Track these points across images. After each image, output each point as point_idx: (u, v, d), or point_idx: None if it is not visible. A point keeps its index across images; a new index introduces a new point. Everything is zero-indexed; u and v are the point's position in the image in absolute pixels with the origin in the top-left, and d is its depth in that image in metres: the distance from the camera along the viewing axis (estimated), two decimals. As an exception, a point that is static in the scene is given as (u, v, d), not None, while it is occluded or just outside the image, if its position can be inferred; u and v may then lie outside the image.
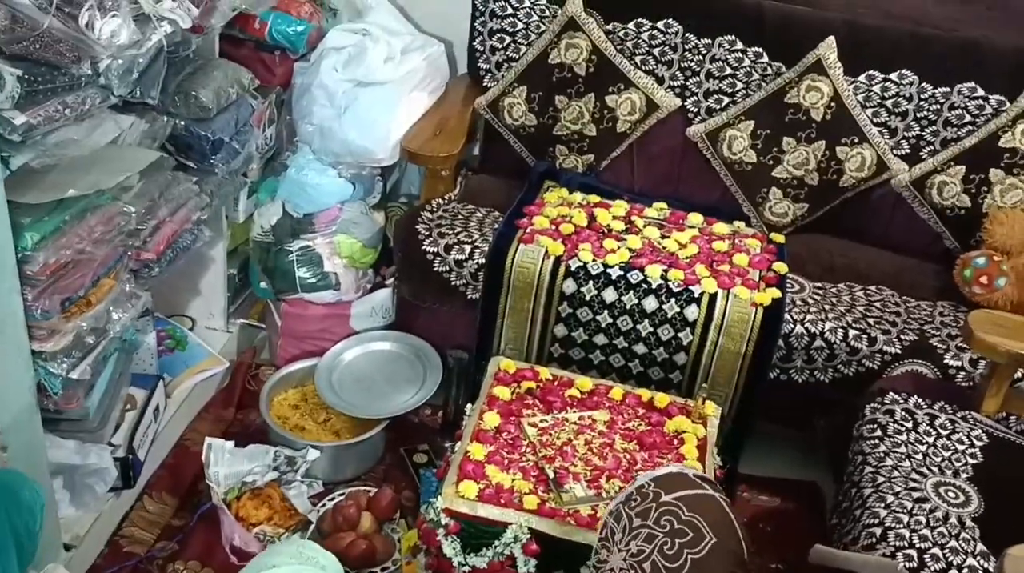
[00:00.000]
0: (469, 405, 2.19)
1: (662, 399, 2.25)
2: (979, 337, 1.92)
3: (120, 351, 2.11)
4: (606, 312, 2.34)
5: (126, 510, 2.14)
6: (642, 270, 2.33)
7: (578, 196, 2.61)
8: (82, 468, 1.97)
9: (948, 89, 2.51)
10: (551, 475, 1.97)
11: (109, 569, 2.01)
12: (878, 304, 2.37)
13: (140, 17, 1.72)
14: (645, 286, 2.32)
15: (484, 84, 2.78)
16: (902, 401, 2.03)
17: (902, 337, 2.25)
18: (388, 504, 2.20)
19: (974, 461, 1.87)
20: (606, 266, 2.33)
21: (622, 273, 2.33)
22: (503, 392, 2.22)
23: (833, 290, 2.42)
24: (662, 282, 2.31)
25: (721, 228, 2.55)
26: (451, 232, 2.45)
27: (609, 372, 2.40)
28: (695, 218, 2.57)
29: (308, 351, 2.56)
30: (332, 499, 2.23)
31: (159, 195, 1.94)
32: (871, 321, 2.29)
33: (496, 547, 1.90)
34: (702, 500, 1.29)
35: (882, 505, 1.75)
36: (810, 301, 2.35)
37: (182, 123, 2.05)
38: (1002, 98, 2.47)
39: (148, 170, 1.90)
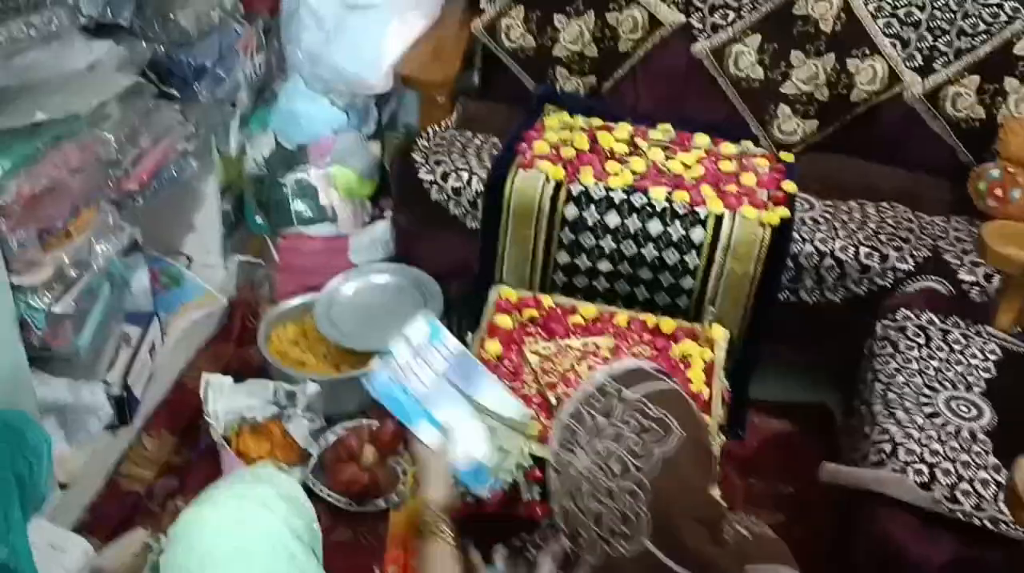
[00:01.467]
0: (470, 334, 2.14)
1: (668, 324, 2.19)
2: (992, 249, 1.86)
3: (111, 287, 2.06)
4: (609, 237, 2.27)
5: (124, 449, 2.11)
6: (646, 192, 2.25)
7: (580, 120, 2.52)
8: (75, 406, 1.93)
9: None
10: (554, 402, 1.92)
11: (108, 506, 1.99)
12: (890, 221, 2.29)
13: (109, -67, 1.65)
14: (649, 209, 2.24)
15: (480, 7, 2.68)
16: (915, 317, 1.96)
17: (915, 253, 2.18)
18: (391, 436, 2.16)
19: (987, 375, 1.81)
20: (609, 189, 2.26)
21: (625, 196, 2.25)
22: (504, 320, 2.16)
23: (844, 208, 2.34)
24: (667, 204, 2.23)
25: (728, 148, 2.46)
26: (448, 159, 2.38)
27: (614, 299, 2.33)
28: (701, 139, 2.48)
29: (307, 286, 2.50)
30: (334, 433, 2.19)
31: (140, 123, 1.87)
32: (883, 238, 2.22)
33: (499, 474, 1.86)
34: (667, 395, 1.22)
35: (892, 421, 1.70)
36: (820, 220, 2.28)
37: (162, 49, 1.97)
38: (1017, 4, 2.36)
39: (127, 97, 1.84)
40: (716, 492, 1.42)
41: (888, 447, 1.65)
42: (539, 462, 1.82)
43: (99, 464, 2.03)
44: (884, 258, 2.18)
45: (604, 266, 2.31)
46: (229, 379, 2.13)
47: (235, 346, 2.46)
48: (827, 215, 2.30)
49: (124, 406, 2.04)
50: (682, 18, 2.58)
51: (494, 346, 2.07)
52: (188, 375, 2.33)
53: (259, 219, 2.54)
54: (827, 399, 2.45)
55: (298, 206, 2.46)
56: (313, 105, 2.44)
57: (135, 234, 2.01)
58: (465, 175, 2.33)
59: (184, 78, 2.02)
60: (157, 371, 2.24)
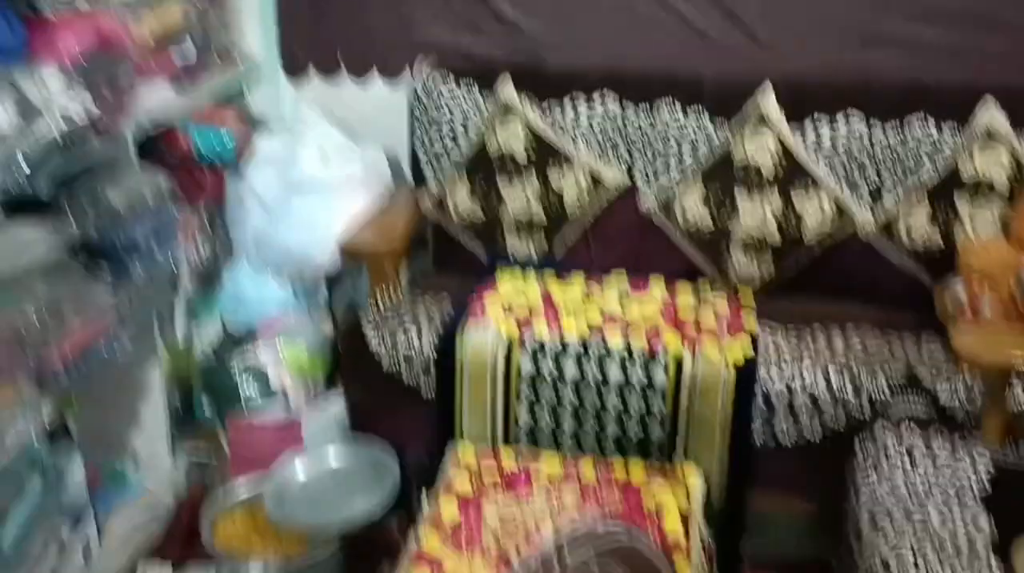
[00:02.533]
0: (424, 494, 1.99)
1: (638, 470, 2.05)
2: (961, 350, 1.75)
3: (42, 481, 1.94)
4: (569, 388, 2.17)
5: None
6: (603, 339, 2.18)
7: (533, 277, 2.48)
8: (-10, 608, 1.76)
9: (898, 122, 2.42)
10: (515, 564, 1.75)
11: None
12: (858, 346, 2.19)
13: (27, 108, 1.66)
14: (607, 355, 2.15)
15: (430, 188, 2.71)
16: (893, 434, 1.83)
17: (887, 375, 2.07)
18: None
19: (981, 489, 1.66)
20: (564, 339, 2.18)
21: (581, 344, 2.17)
22: (462, 480, 2.02)
23: (809, 337, 2.24)
24: (624, 349, 2.15)
25: (685, 290, 2.42)
26: (398, 327, 2.31)
27: (582, 449, 2.20)
28: (657, 283, 2.44)
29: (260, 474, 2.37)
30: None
31: (65, 299, 1.82)
32: (853, 363, 2.11)
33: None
34: (613, 545, 1.05)
35: (881, 539, 1.54)
36: (784, 350, 2.18)
37: (92, 226, 1.95)
38: (955, 125, 2.38)
39: (52, 273, 1.80)
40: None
41: (879, 566, 1.48)
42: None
43: None
44: (857, 385, 2.07)
45: (567, 420, 2.19)
46: (168, 565, 1.96)
47: (181, 548, 2.28)
48: (792, 344, 2.20)
49: (47, 609, 1.86)
50: (626, 179, 2.60)
51: (450, 508, 1.92)
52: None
53: (208, 410, 2.43)
54: (828, 555, 2.25)
55: (248, 391, 2.37)
56: (261, 287, 2.41)
57: (68, 422, 1.91)
58: (416, 340, 2.26)
59: (115, 256, 1.98)
60: (96, 570, 2.06)
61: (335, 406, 2.43)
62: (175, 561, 2.21)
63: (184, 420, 2.53)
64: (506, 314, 2.27)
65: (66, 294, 1.84)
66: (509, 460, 2.08)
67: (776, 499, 2.23)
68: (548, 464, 2.06)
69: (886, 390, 2.05)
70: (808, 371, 2.09)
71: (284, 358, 2.39)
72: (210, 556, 2.13)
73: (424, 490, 2.12)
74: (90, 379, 1.93)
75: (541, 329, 2.21)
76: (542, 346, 2.18)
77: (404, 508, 2.24)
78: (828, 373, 2.08)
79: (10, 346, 1.68)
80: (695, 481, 2.01)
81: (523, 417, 2.20)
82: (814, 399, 2.08)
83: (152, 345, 2.30)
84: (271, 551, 2.16)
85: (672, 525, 1.87)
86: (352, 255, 2.46)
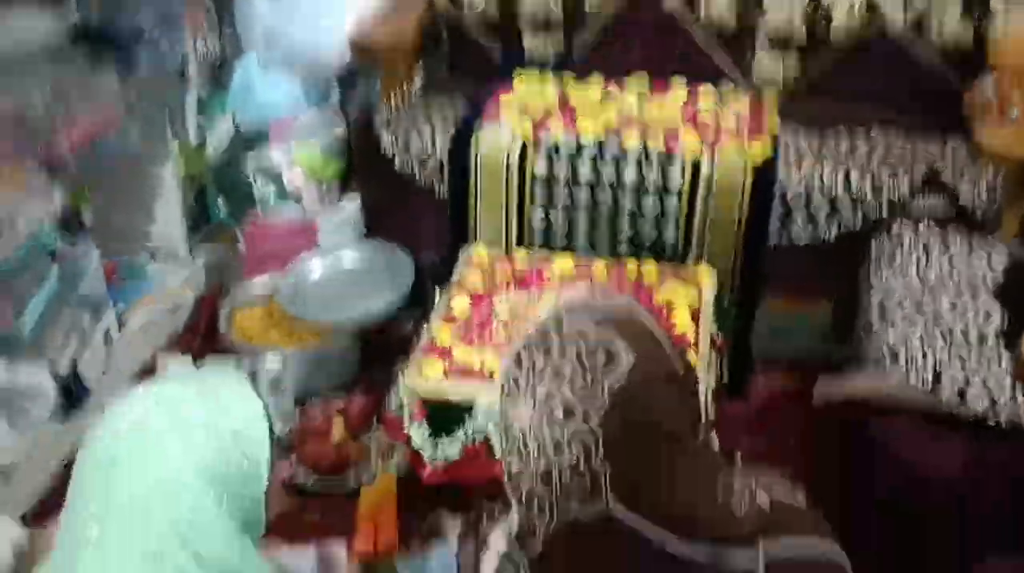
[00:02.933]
0: (438, 294, 2.01)
1: (651, 269, 2.05)
2: (990, 144, 1.70)
3: (59, 272, 1.97)
4: (584, 189, 2.14)
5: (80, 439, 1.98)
6: (619, 139, 2.13)
7: (550, 78, 2.41)
8: (15, 388, 1.81)
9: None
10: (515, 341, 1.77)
11: (60, 496, 1.85)
12: (881, 148, 2.14)
13: None
14: (623, 156, 2.11)
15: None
16: (910, 231, 1.81)
17: (908, 176, 2.03)
18: (360, 412, 2.02)
19: (995, 281, 1.65)
20: (579, 139, 2.14)
21: (597, 145, 2.12)
22: (475, 277, 2.03)
23: (832, 142, 2.19)
24: (641, 150, 2.11)
25: (707, 92, 2.34)
26: (411, 127, 2.27)
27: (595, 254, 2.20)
28: (678, 85, 2.36)
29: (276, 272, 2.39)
30: (303, 412, 2.05)
31: (69, 86, 1.79)
32: (875, 163, 2.07)
33: (467, 428, 1.71)
34: (612, 314, 0.98)
35: (891, 329, 1.54)
36: (805, 152, 2.13)
37: (94, 11, 1.89)
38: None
39: (56, 60, 1.76)
40: (706, 437, 1.16)
41: (887, 354, 1.49)
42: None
43: (51, 453, 1.91)
44: (876, 184, 2.03)
45: (581, 222, 2.17)
46: (188, 359, 2.01)
47: (202, 340, 2.33)
48: (814, 146, 2.15)
49: (72, 391, 1.92)
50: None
51: (462, 302, 1.94)
52: (153, 366, 2.21)
53: (223, 208, 2.43)
54: (835, 354, 2.28)
55: (261, 190, 2.36)
56: (271, 84, 2.35)
57: (82, 216, 1.92)
58: (429, 141, 2.22)
59: (121, 43, 1.93)
60: (115, 362, 2.11)
61: (350, 208, 2.42)
62: (194, 354, 2.26)
63: (199, 219, 2.54)
64: (521, 116, 2.22)
65: (71, 82, 1.81)
66: (522, 261, 2.09)
67: (789, 300, 2.24)
68: (561, 264, 2.06)
69: (906, 190, 2.01)
70: (828, 172, 2.06)
71: (297, 157, 2.36)
72: (228, 349, 2.18)
73: (438, 289, 2.14)
74: (101, 171, 1.92)
75: (556, 130, 2.16)
76: (557, 147, 2.13)
77: (419, 307, 2.26)
78: (849, 174, 2.04)
79: (16, 130, 1.66)
80: (708, 280, 2.01)
81: (537, 220, 2.18)
82: (832, 199, 2.05)
83: (164, 141, 2.27)
84: (289, 343, 2.21)
85: (682, 319, 1.88)
86: (363, 51, 2.38)
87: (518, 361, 0.99)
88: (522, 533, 1.01)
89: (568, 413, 0.93)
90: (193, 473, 0.95)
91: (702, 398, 1.06)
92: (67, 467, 1.89)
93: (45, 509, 1.81)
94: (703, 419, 1.03)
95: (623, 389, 0.92)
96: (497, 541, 1.07)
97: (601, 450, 0.92)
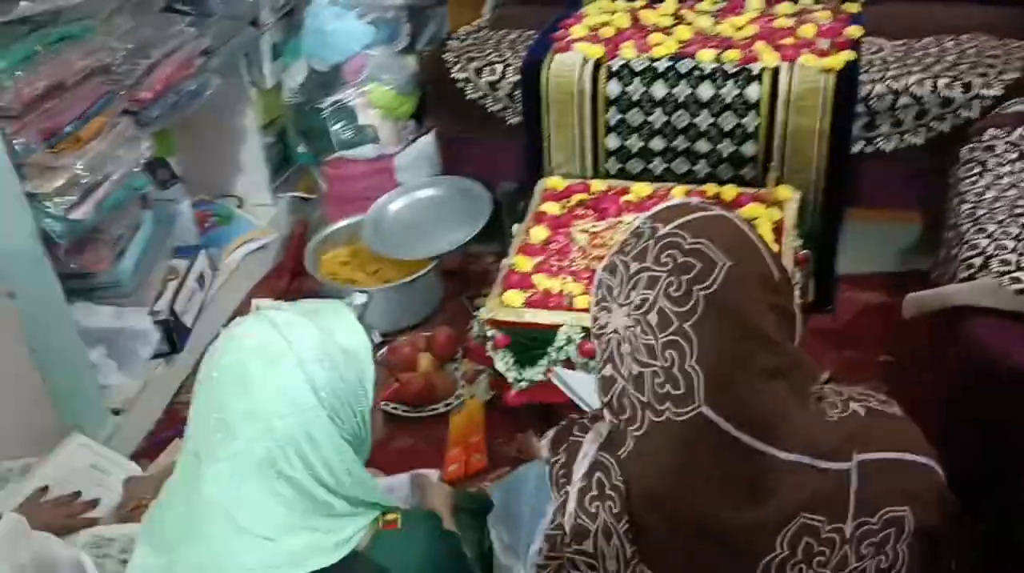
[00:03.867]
0: (515, 227, 2.02)
1: (730, 191, 2.03)
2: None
3: (154, 219, 2.04)
4: (658, 110, 2.11)
5: (183, 378, 2.07)
6: (693, 57, 2.09)
7: (621, 2, 2.37)
8: (122, 333, 1.90)
9: None
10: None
11: (167, 433, 1.95)
12: (972, 52, 2.05)
13: None
14: (698, 73, 2.07)
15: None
16: (1004, 135, 1.73)
17: (1002, 77, 1.94)
18: (446, 342, 2.06)
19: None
20: (652, 59, 2.10)
21: (670, 63, 2.09)
22: (552, 207, 2.04)
23: (918, 45, 2.11)
24: (716, 65, 2.06)
25: (785, 7, 2.27)
26: (481, 55, 2.26)
27: (674, 180, 2.17)
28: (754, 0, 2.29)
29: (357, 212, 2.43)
30: (390, 345, 2.10)
31: (149, 34, 1.83)
32: (965, 68, 1.98)
33: (550, 354, 1.73)
34: (708, 222, 0.96)
35: (983, 235, 1.49)
36: (891, 59, 2.05)
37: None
38: None
39: (135, 8, 1.80)
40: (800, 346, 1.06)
41: (978, 261, 1.44)
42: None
43: (156, 392, 2.00)
44: (967, 87, 1.94)
45: (657, 144, 2.15)
46: (280, 302, 2.06)
47: (289, 280, 2.40)
48: (899, 54, 2.07)
49: (172, 333, 2.00)
50: None
51: (540, 232, 1.95)
52: (245, 307, 2.28)
53: (301, 149, 2.47)
54: (925, 264, 2.22)
55: (337, 129, 2.38)
56: (341, 22, 2.35)
57: (174, 168, 1.99)
58: (499, 67, 2.21)
59: (194, -11, 1.97)
60: (211, 303, 2.19)
61: (426, 143, 2.43)
62: (284, 295, 2.32)
63: (281, 162, 2.59)
64: (592, 38, 2.19)
65: (148, 29, 1.85)
66: (599, 188, 2.08)
67: (876, 211, 2.18)
68: (638, 190, 2.05)
69: (998, 89, 1.92)
70: (915, 78, 1.97)
71: (370, 95, 2.38)
72: (316, 289, 2.23)
73: (515, 221, 2.15)
74: (183, 118, 1.96)
75: (628, 50, 2.13)
76: (629, 68, 2.10)
77: (497, 238, 2.28)
78: (937, 79, 1.96)
79: (99, 77, 1.71)
80: (789, 197, 1.97)
81: (612, 144, 2.16)
82: (919, 101, 1.97)
83: (242, 86, 2.31)
84: (373, 281, 2.25)
85: (764, 234, 1.85)
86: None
87: (612, 269, 1.00)
88: (612, 437, 1.03)
89: (663, 319, 0.93)
90: (310, 390, 0.98)
91: (796, 306, 1.04)
92: (171, 407, 2.02)
93: (153, 446, 1.91)
94: (797, 327, 1.02)
95: (717, 293, 0.92)
96: (588, 446, 1.08)
97: (695, 354, 0.92)
